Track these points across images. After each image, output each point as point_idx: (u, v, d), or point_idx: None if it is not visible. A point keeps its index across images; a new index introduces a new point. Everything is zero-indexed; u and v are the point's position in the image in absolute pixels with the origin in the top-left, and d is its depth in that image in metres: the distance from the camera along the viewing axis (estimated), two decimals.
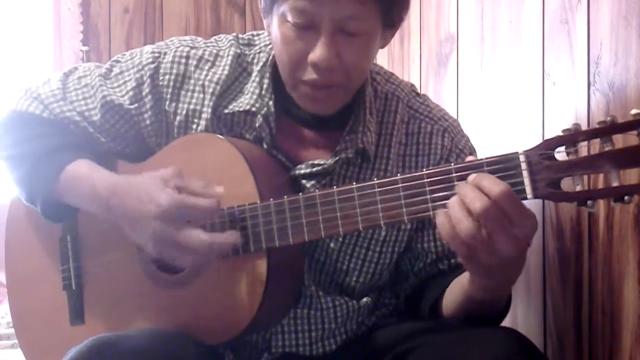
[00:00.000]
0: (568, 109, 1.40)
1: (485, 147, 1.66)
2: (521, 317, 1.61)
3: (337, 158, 1.29)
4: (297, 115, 1.32)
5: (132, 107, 1.35)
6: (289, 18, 1.20)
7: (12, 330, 2.46)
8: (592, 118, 1.32)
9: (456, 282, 1.26)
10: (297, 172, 1.30)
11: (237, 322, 1.22)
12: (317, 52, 1.19)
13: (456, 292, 1.25)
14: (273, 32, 1.25)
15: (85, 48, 2.76)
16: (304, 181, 1.29)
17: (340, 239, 1.31)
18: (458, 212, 1.03)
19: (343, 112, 1.31)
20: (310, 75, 1.22)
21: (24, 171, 1.32)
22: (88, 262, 1.38)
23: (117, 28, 2.81)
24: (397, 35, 1.33)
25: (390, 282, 1.40)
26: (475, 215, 1.02)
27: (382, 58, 2.32)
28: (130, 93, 1.35)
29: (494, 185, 1.02)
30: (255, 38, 1.38)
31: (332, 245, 1.31)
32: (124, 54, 1.41)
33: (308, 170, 1.29)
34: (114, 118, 1.36)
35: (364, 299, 1.34)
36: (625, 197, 0.99)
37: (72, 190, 1.29)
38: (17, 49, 2.85)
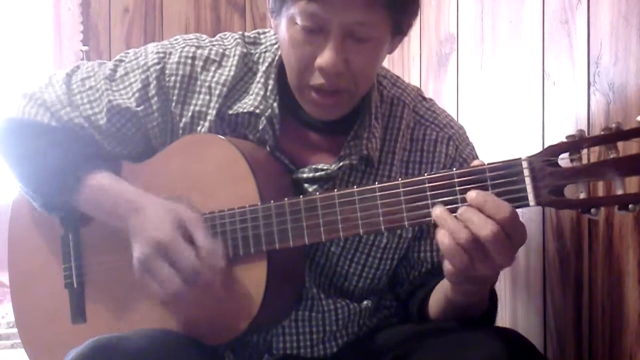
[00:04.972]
0: (568, 109, 1.40)
1: (486, 147, 1.66)
2: (521, 317, 1.61)
3: (340, 164, 1.28)
4: (301, 118, 1.31)
5: (138, 109, 1.34)
6: (298, 21, 1.19)
7: (12, 330, 2.46)
8: (592, 118, 1.32)
9: (439, 287, 1.26)
10: (299, 175, 1.29)
11: (237, 324, 1.22)
12: (325, 57, 1.18)
13: (440, 297, 1.25)
14: (281, 34, 1.24)
15: (85, 48, 2.75)
16: (306, 185, 1.29)
17: (341, 244, 1.31)
18: (455, 225, 1.04)
19: (348, 116, 1.30)
20: (317, 80, 1.21)
21: (40, 181, 1.32)
22: (90, 261, 1.38)
23: (117, 28, 2.80)
24: (400, 43, 1.32)
25: (388, 286, 1.39)
26: (482, 240, 1.02)
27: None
28: (137, 95, 1.34)
29: (499, 209, 1.02)
30: (262, 36, 1.37)
31: (332, 249, 1.31)
32: (128, 53, 1.39)
33: (311, 175, 1.29)
34: (120, 122, 1.35)
35: (365, 302, 1.34)
36: (630, 206, 0.98)
37: (92, 201, 1.29)
38: (17, 49, 2.85)
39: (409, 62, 2.20)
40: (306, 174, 1.29)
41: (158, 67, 1.33)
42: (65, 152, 1.32)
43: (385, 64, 2.27)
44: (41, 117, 1.35)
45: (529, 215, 1.55)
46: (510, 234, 1.03)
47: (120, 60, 1.38)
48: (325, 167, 1.29)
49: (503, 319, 1.67)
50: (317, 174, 1.29)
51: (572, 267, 1.40)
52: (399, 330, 1.29)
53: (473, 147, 1.39)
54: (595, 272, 1.33)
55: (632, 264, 1.24)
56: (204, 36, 1.39)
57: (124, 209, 1.24)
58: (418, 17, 1.28)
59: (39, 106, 1.36)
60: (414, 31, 2.15)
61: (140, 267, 1.18)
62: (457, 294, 1.18)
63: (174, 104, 1.33)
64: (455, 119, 1.42)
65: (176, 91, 1.33)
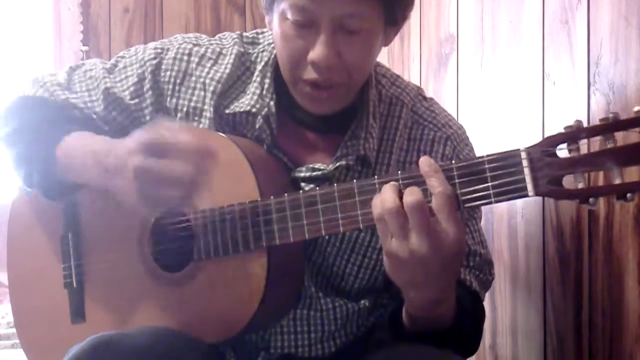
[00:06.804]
0: (568, 109, 1.40)
1: (486, 148, 1.66)
2: (521, 317, 1.61)
3: (337, 164, 1.28)
4: (298, 117, 1.31)
5: (132, 102, 1.35)
6: (289, 15, 1.19)
7: (12, 330, 2.47)
8: (592, 118, 1.32)
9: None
10: (296, 174, 1.29)
11: (236, 321, 1.22)
12: (317, 51, 1.19)
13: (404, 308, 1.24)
14: (274, 30, 1.24)
15: (85, 48, 2.76)
16: (303, 184, 1.29)
17: (337, 244, 1.31)
18: (389, 193, 1.07)
19: (345, 115, 1.30)
20: (310, 74, 1.21)
21: (24, 145, 1.31)
22: (89, 260, 1.38)
23: (117, 28, 2.81)
24: (397, 35, 1.32)
25: (384, 285, 1.39)
26: (406, 207, 1.05)
27: (382, 58, 2.32)
28: (132, 88, 1.35)
29: (440, 185, 1.05)
30: (260, 36, 1.38)
31: (328, 249, 1.31)
32: (129, 50, 1.41)
33: (308, 174, 1.29)
34: (116, 110, 1.36)
35: (362, 302, 1.34)
36: (628, 195, 0.98)
37: (72, 157, 1.26)
38: (17, 49, 2.85)
39: (409, 62, 2.20)
40: (303, 173, 1.29)
41: (154, 62, 1.34)
42: (49, 114, 1.32)
43: (385, 63, 2.28)
44: (41, 94, 1.38)
45: (529, 215, 1.56)
46: (439, 212, 1.04)
47: (121, 57, 1.41)
48: (322, 167, 1.29)
49: (503, 319, 1.68)
50: (314, 173, 1.29)
51: (572, 267, 1.40)
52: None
53: (472, 149, 1.38)
54: (595, 272, 1.34)
55: (632, 264, 1.24)
56: (204, 36, 1.40)
57: (101, 150, 1.20)
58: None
59: (39, 87, 1.39)
60: (414, 31, 2.15)
61: (140, 174, 1.12)
62: (408, 304, 1.18)
63: (168, 99, 1.34)
64: (456, 119, 1.42)
65: (170, 86, 1.34)
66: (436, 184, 1.06)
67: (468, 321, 1.23)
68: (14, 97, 1.39)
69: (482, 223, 1.41)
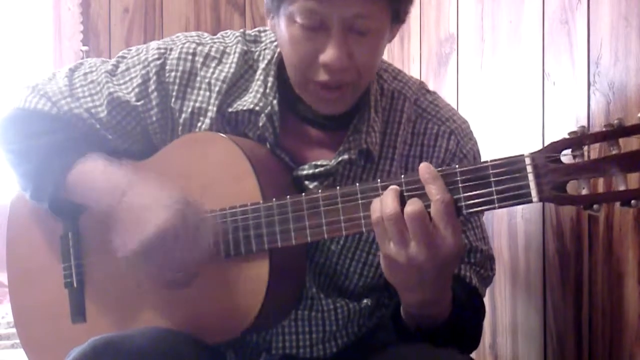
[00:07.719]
0: (568, 109, 1.40)
1: (486, 148, 1.66)
2: (521, 317, 1.61)
3: (340, 159, 1.28)
4: (301, 114, 1.30)
5: (138, 103, 1.34)
6: (298, 19, 1.18)
7: (12, 330, 2.46)
8: (592, 118, 1.32)
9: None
10: (300, 172, 1.29)
11: (238, 322, 1.22)
12: (329, 53, 1.18)
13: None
14: (280, 33, 1.23)
15: (85, 48, 2.75)
16: (306, 182, 1.29)
17: (341, 242, 1.30)
18: (390, 198, 1.08)
19: (348, 110, 1.29)
20: (322, 76, 1.21)
21: (32, 165, 1.32)
22: (89, 260, 1.38)
23: (117, 28, 2.80)
24: (397, 35, 1.32)
25: (386, 283, 1.39)
26: (406, 216, 1.05)
27: (383, 58, 2.32)
28: (136, 90, 1.34)
29: (438, 193, 1.06)
30: (262, 34, 1.37)
31: (332, 247, 1.30)
32: (130, 49, 1.40)
33: (311, 171, 1.28)
34: (121, 114, 1.35)
35: (365, 300, 1.34)
36: (632, 202, 0.98)
37: (84, 183, 1.28)
38: (17, 49, 2.85)
39: (409, 62, 2.20)
40: (306, 170, 1.29)
41: (158, 62, 1.34)
42: (58, 137, 1.32)
43: None
44: (42, 106, 1.36)
45: (529, 215, 1.56)
46: (437, 223, 1.05)
47: (123, 57, 1.39)
48: (324, 163, 1.29)
49: (503, 319, 1.68)
50: (317, 170, 1.28)
51: (572, 267, 1.40)
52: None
53: (475, 143, 1.37)
54: (595, 272, 1.34)
55: (632, 264, 1.24)
56: (206, 34, 1.39)
57: (117, 187, 1.23)
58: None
59: (40, 96, 1.37)
60: (414, 31, 2.15)
61: (149, 249, 1.17)
62: (404, 302, 1.19)
63: (173, 99, 1.34)
64: (459, 113, 1.40)
65: (176, 87, 1.33)
66: (435, 192, 1.06)
67: (466, 317, 1.24)
68: (16, 107, 1.37)
69: None
